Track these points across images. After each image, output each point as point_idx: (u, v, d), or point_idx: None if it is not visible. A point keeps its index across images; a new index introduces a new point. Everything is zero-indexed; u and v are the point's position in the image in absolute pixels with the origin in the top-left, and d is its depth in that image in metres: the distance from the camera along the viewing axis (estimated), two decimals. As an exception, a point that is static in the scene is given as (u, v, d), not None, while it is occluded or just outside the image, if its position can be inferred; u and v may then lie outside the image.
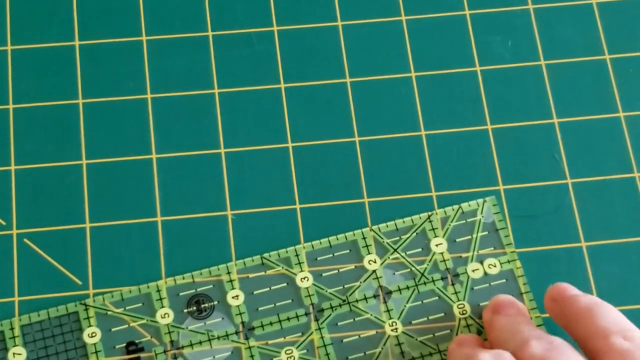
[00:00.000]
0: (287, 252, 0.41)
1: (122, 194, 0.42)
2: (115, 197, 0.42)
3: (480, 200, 0.41)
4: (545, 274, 0.42)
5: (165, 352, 0.40)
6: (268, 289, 0.41)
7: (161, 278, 0.41)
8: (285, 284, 0.41)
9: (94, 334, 0.40)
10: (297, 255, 0.41)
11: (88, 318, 0.40)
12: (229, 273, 0.41)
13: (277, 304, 0.40)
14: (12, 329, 0.39)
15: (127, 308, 0.40)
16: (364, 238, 0.41)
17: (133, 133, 0.43)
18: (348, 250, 0.41)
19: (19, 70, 0.44)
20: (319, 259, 0.41)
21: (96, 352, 0.39)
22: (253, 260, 0.41)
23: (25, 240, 0.42)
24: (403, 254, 0.41)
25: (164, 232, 0.42)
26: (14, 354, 0.39)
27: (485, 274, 0.41)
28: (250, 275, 0.41)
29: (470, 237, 0.41)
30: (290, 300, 0.41)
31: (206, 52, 0.45)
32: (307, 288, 0.41)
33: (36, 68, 0.44)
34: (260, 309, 0.41)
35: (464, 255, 0.41)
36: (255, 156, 0.43)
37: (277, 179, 0.43)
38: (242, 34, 0.46)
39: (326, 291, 0.41)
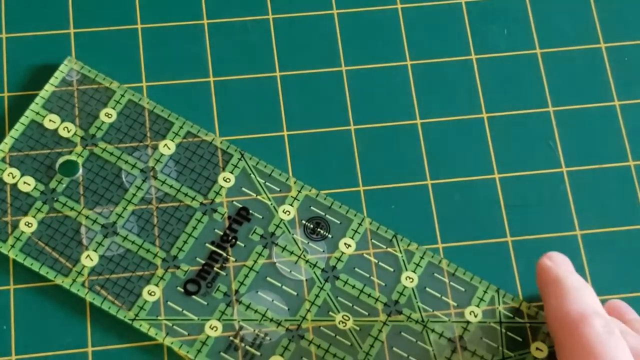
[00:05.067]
0: (417, 248, 0.41)
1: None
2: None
3: None
4: (540, 262, 0.42)
5: (261, 237, 0.41)
6: (376, 261, 0.41)
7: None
8: (391, 270, 0.41)
9: (228, 180, 0.42)
10: (421, 257, 0.41)
11: (235, 166, 0.42)
12: (360, 224, 0.41)
13: (372, 278, 0.41)
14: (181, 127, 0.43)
15: (266, 183, 0.42)
16: (494, 293, 0.40)
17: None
18: (464, 290, 0.41)
19: (14, 59, 0.44)
20: (434, 274, 0.41)
21: (217, 193, 0.41)
22: (386, 232, 0.41)
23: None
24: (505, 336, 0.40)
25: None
26: (165, 146, 0.42)
27: None
28: (373, 240, 0.41)
29: None
30: (384, 284, 0.41)
31: (201, 40, 0.45)
32: (404, 286, 0.40)
33: (31, 56, 0.44)
34: (356, 269, 0.41)
35: None
36: (251, 145, 0.43)
37: (273, 167, 0.43)
38: (238, 22, 0.45)
39: (417, 302, 0.40)
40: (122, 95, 0.43)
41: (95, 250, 0.40)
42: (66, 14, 0.45)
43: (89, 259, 0.40)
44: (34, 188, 0.41)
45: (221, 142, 0.42)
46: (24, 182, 0.41)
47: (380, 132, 0.44)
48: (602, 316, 0.35)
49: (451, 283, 0.41)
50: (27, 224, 0.40)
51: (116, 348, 0.40)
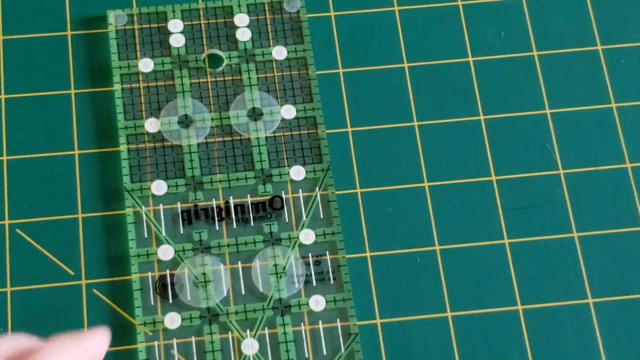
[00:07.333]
0: None
1: (113, 184, 0.42)
2: (107, 188, 0.42)
3: None
4: (537, 265, 0.42)
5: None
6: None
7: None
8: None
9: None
10: None
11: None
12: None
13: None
14: None
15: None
16: None
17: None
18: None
19: (10, 60, 0.44)
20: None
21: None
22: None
23: (18, 230, 0.41)
24: None
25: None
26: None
27: None
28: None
29: None
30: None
31: (199, 42, 0.45)
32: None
33: (28, 58, 0.44)
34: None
35: None
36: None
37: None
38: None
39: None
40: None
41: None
42: (63, 15, 0.45)
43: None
44: None
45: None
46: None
47: (377, 134, 0.44)
48: None
49: None
50: None
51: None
